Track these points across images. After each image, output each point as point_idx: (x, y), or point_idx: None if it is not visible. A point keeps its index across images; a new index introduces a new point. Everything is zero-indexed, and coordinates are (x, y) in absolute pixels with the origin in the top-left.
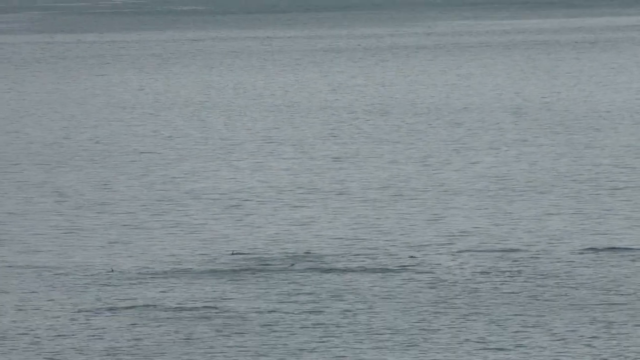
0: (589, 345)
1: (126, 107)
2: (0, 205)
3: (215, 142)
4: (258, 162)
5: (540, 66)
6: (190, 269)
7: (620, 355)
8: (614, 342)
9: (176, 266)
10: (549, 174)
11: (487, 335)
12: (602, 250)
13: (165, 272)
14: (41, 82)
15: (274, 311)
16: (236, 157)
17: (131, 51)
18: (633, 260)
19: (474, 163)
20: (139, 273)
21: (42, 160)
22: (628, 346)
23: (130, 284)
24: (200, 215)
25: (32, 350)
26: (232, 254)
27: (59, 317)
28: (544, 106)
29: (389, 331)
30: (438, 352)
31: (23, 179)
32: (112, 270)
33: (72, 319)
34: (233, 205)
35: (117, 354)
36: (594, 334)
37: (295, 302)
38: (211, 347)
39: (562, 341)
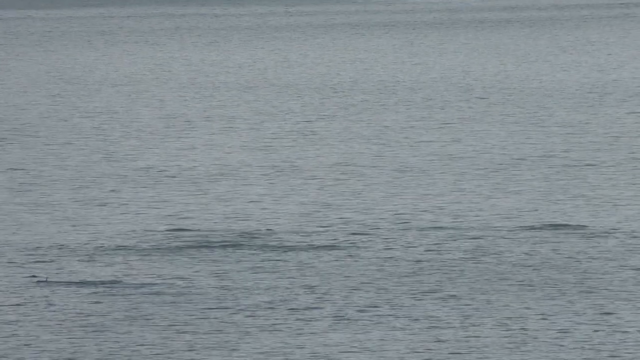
0: (541, 323)
1: (76, 84)
2: None
3: (167, 119)
4: (210, 139)
5: (489, 45)
6: (138, 245)
7: (573, 332)
8: (567, 319)
9: (124, 243)
10: (500, 152)
11: (439, 314)
12: (553, 227)
13: (112, 249)
14: None
15: (224, 288)
16: (188, 134)
17: (78, 27)
18: (585, 238)
19: (425, 141)
20: (87, 249)
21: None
22: (580, 323)
23: (77, 260)
24: (151, 193)
25: None
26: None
27: (3, 290)
28: (493, 84)
29: (339, 310)
30: (392, 331)
31: None
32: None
33: (17, 294)
34: (184, 183)
35: (61, 329)
36: (548, 312)
37: (246, 279)
38: (155, 324)
39: (514, 320)
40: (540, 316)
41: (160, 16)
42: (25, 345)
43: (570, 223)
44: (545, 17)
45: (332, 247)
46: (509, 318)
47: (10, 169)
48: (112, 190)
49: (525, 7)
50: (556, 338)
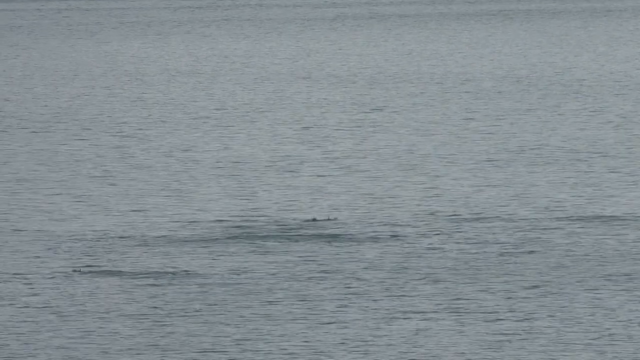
0: (610, 316)
1: (131, 75)
2: (12, 171)
3: (223, 110)
4: (267, 130)
5: (542, 35)
6: (192, 235)
7: (618, 333)
8: (619, 314)
9: (178, 233)
10: (555, 144)
11: (501, 308)
12: (610, 219)
13: (166, 240)
14: (43, 49)
15: (278, 278)
16: (245, 124)
17: (130, 18)
18: (636, 229)
19: (481, 132)
20: (142, 240)
21: (55, 128)
22: (631, 320)
23: (132, 251)
24: (207, 183)
25: (25, 311)
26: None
27: (54, 278)
28: (548, 75)
29: (398, 301)
30: (454, 325)
31: (38, 147)
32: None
33: (68, 281)
34: (240, 173)
35: (106, 317)
36: (616, 306)
37: (302, 271)
38: (212, 315)
39: (581, 314)
40: (608, 310)
41: (210, 8)
42: (78, 337)
43: (626, 215)
44: (598, 8)
45: (388, 238)
46: (573, 311)
47: (69, 161)
48: (170, 182)
49: None
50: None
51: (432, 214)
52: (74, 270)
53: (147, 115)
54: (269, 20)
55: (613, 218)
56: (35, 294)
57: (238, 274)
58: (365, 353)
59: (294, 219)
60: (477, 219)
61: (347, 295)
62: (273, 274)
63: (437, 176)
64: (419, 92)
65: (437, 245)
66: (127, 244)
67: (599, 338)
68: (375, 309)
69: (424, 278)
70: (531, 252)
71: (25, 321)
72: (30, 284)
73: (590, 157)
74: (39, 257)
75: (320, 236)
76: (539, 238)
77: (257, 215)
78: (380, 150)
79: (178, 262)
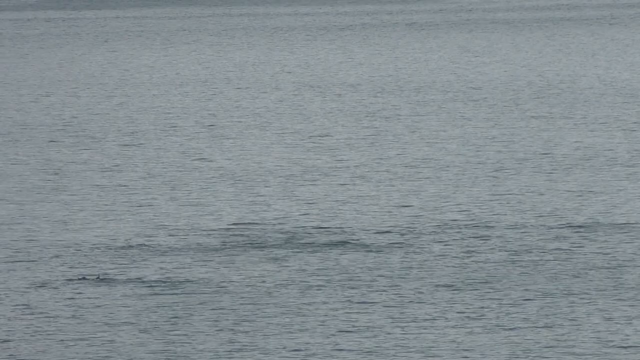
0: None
1: (140, 85)
2: (22, 180)
3: (232, 119)
4: (279, 139)
5: (553, 43)
6: (206, 243)
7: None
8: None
9: (188, 241)
10: (568, 152)
11: (510, 316)
12: (611, 226)
13: (174, 247)
14: (52, 59)
15: (289, 283)
16: (245, 133)
17: (134, 28)
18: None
19: (488, 140)
20: (148, 247)
21: (65, 138)
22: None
23: (135, 258)
24: (214, 191)
25: (32, 319)
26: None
27: (61, 285)
28: (560, 84)
29: (425, 309)
30: (474, 332)
31: (48, 156)
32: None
33: (76, 289)
34: (242, 182)
35: (113, 325)
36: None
37: (304, 280)
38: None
39: (607, 322)
40: (623, 318)
41: (218, 17)
42: (84, 345)
43: (639, 223)
44: (606, 16)
45: (399, 247)
46: (586, 320)
47: (78, 170)
48: (177, 189)
49: (590, 6)
50: None
51: (443, 222)
52: (82, 279)
53: (157, 124)
54: (278, 30)
55: (625, 225)
56: (42, 302)
57: (248, 282)
58: None
59: (304, 228)
60: (487, 227)
61: (359, 304)
62: (284, 283)
63: (448, 184)
64: (427, 100)
65: (449, 254)
66: (136, 252)
67: (612, 347)
68: (389, 316)
69: (436, 286)
70: (543, 260)
71: (30, 328)
72: (38, 292)
73: (600, 164)
74: (47, 265)
75: (330, 244)
76: (551, 246)
77: (266, 224)
78: (389, 159)
79: (186, 270)
